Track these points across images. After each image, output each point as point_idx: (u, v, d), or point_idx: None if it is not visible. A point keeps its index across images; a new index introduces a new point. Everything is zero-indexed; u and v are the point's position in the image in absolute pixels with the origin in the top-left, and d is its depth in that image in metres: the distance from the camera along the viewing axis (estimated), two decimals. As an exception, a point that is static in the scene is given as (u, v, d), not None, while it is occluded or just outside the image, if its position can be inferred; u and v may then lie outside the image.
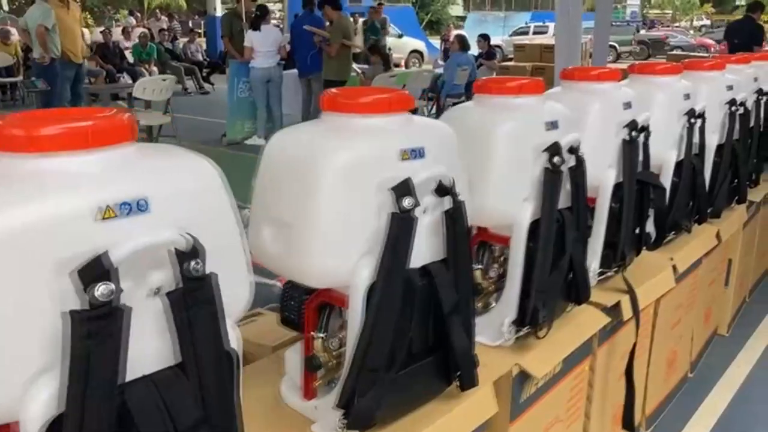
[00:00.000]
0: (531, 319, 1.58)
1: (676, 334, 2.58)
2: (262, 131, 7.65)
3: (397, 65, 17.12)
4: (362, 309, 1.18)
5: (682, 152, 2.32)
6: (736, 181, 2.82)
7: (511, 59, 13.42)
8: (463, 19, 33.68)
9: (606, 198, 1.93)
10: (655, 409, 2.53)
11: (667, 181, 2.30)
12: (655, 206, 2.14)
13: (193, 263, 0.84)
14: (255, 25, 7.47)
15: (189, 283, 0.84)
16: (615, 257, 1.97)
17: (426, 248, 1.26)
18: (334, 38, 7.29)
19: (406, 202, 1.15)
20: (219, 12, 17.13)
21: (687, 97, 2.36)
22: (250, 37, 7.50)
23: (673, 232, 2.37)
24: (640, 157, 2.01)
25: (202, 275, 0.85)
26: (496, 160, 1.53)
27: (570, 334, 1.78)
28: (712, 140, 2.62)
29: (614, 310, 1.95)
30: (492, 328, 1.62)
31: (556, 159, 1.54)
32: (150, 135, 7.51)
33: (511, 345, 1.62)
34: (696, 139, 2.42)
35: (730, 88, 2.71)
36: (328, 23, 7.52)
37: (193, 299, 0.85)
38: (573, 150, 1.61)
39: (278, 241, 1.20)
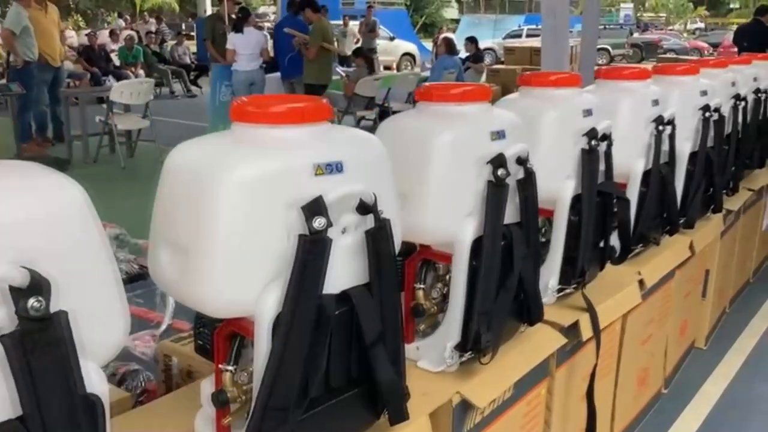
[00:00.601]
0: (473, 343, 1.47)
1: (647, 351, 2.47)
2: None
3: (388, 68, 17.06)
4: (267, 341, 1.07)
5: (650, 161, 2.22)
6: (711, 189, 2.72)
7: (503, 62, 13.35)
8: (457, 22, 33.66)
9: (564, 211, 1.83)
10: (625, 428, 2.42)
11: (633, 191, 2.19)
12: (619, 218, 2.03)
13: (32, 301, 0.74)
14: (237, 28, 7.36)
15: (27, 324, 0.75)
16: (574, 273, 1.86)
17: (346, 272, 1.16)
18: (314, 41, 7.17)
19: (317, 222, 1.05)
20: (209, 13, 17.02)
21: (655, 103, 2.25)
22: (233, 40, 7.39)
23: (641, 245, 2.26)
24: (602, 167, 1.90)
25: (44, 315, 0.75)
26: (435, 172, 1.42)
27: (522, 357, 1.67)
28: (685, 148, 2.52)
29: (573, 330, 1.84)
30: (435, 353, 1.52)
31: (500, 171, 1.44)
32: (129, 139, 7.40)
33: (455, 371, 1.51)
34: (666, 147, 2.31)
35: (704, 93, 2.61)
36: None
37: (33, 343, 0.75)
38: (521, 161, 1.51)
39: (175, 267, 1.10)
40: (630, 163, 2.17)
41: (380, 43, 16.92)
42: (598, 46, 24.15)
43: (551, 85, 1.89)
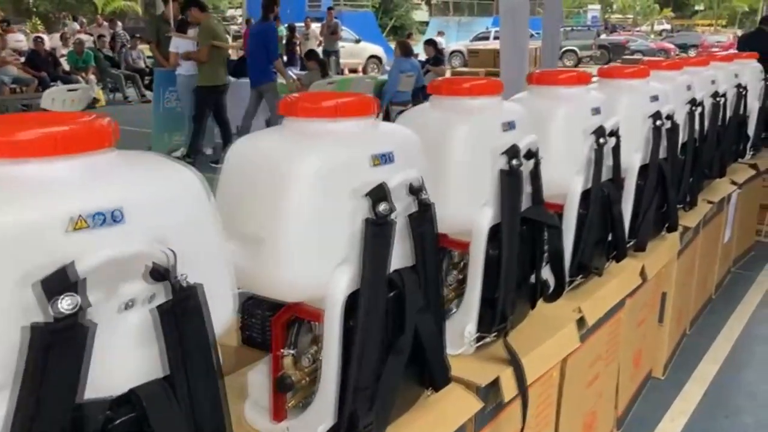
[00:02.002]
0: (349, 427, 1.14)
1: (594, 392, 2.17)
2: (188, 145, 7.11)
3: (354, 71, 16.70)
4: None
5: (590, 179, 1.92)
6: (665, 206, 2.43)
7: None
8: (428, 24, 33.47)
9: (481, 242, 1.52)
10: (571, 482, 2.12)
11: (571, 214, 1.89)
12: (550, 248, 1.73)
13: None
14: (181, 30, 6.96)
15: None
16: (494, 317, 1.55)
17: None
18: (203, 41, 6.61)
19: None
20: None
21: (596, 111, 1.95)
22: (176, 43, 6.98)
23: (581, 276, 1.96)
24: (528, 190, 1.60)
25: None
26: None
27: (427, 428, 1.36)
28: (633, 161, 2.23)
29: (493, 388, 1.53)
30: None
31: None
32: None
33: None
34: (610, 161, 2.02)
35: (654, 98, 2.32)
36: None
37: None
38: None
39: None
40: (566, 181, 1.87)
41: (346, 46, 16.57)
42: (566, 48, 24.36)
43: (465, 94, 1.58)
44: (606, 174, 1.98)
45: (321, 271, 1.12)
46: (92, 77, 11.68)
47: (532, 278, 1.68)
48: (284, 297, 1.18)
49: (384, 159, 1.17)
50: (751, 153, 3.93)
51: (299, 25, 14.79)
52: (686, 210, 2.75)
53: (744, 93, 3.56)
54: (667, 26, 37.48)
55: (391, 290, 1.19)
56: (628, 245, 2.28)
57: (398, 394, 1.23)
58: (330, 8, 14.40)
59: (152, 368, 0.84)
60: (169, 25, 7.55)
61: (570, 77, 1.99)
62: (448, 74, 11.16)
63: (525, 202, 1.56)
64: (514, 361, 1.54)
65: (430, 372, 1.31)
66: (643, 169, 2.27)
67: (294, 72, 8.20)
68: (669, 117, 2.33)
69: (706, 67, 3.15)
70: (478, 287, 1.52)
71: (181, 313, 0.81)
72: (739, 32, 32.74)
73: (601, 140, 1.90)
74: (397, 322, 1.20)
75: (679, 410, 2.61)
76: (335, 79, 7.77)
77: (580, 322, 1.88)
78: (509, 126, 1.55)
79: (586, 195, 1.92)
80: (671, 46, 24.73)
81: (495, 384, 1.53)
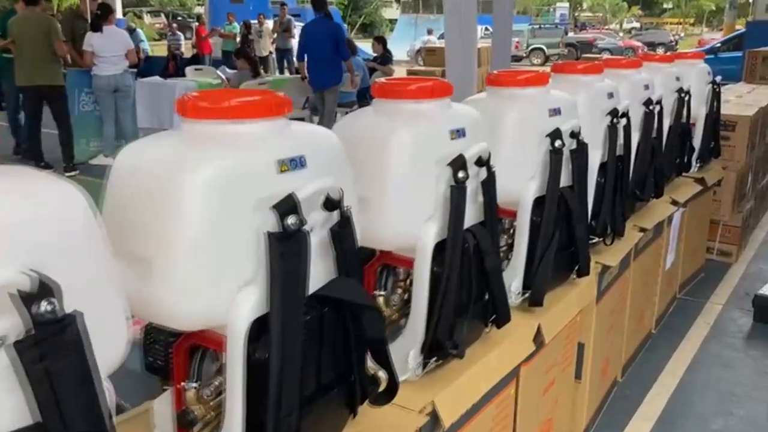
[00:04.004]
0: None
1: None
2: (110, 149, 6.54)
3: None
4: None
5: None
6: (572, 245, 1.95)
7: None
8: (397, 21, 33.04)
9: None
10: None
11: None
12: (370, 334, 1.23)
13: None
14: (95, 26, 6.37)
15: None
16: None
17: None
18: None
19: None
20: (119, 14, 15.83)
21: (555, 112, 1.78)
22: (89, 40, 6.39)
23: (435, 359, 1.46)
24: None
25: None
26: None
27: None
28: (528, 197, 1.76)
29: None
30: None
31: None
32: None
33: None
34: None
35: (555, 112, 1.84)
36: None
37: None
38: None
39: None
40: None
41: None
42: (533, 46, 24.05)
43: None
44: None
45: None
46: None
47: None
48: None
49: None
50: (698, 165, 3.48)
51: (254, 22, 14.18)
52: (607, 244, 2.27)
53: (687, 98, 3.10)
54: (636, 24, 37.45)
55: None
56: (522, 298, 1.81)
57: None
58: (283, 4, 13.70)
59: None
60: (86, 21, 6.94)
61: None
62: (404, 74, 10.68)
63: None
64: None
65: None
66: (539, 202, 1.80)
67: (223, 72, 7.63)
68: (574, 135, 1.85)
69: (636, 70, 2.68)
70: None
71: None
72: (706, 30, 32.84)
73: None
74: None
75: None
76: (267, 79, 7.23)
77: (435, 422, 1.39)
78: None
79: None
80: (639, 44, 24.55)
81: None
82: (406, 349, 1.40)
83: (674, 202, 3.04)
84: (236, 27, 14.20)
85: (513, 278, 1.81)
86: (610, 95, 2.27)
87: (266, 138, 1.06)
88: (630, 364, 2.86)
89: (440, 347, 1.37)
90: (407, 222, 1.36)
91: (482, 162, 1.45)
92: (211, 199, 0.96)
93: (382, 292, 1.50)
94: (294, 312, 1.00)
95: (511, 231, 1.86)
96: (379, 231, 1.32)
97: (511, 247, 1.84)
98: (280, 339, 0.97)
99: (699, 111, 3.37)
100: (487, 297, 1.55)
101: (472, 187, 1.44)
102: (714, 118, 3.52)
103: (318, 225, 1.08)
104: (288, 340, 0.98)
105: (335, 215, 1.09)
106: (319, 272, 1.08)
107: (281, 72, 13.31)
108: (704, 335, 3.19)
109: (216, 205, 0.97)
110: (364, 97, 7.92)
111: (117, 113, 6.62)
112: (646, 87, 2.67)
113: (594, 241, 2.23)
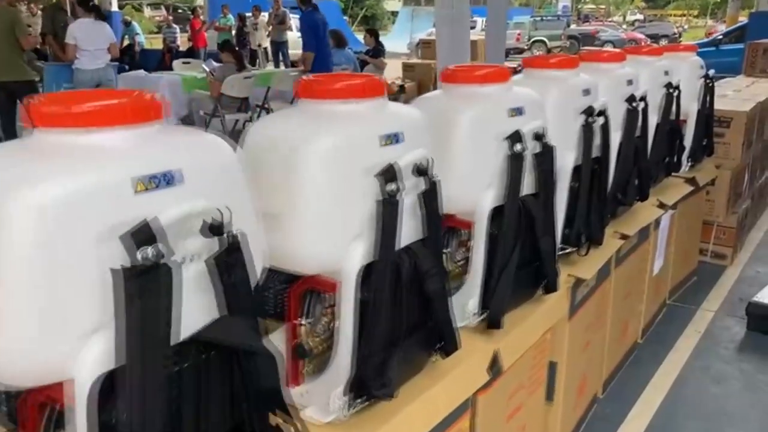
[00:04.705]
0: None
1: None
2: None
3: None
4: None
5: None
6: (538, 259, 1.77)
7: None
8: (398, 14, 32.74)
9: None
10: None
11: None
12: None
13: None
14: (76, 13, 6.16)
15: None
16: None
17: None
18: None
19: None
20: (115, 7, 15.62)
21: (517, 112, 1.60)
22: (72, 33, 6.20)
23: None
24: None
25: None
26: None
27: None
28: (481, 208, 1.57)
29: None
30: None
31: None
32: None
33: None
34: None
35: (517, 111, 1.65)
36: None
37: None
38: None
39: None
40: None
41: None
42: (535, 38, 23.76)
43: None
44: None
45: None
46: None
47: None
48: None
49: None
50: (689, 164, 3.29)
51: (249, 14, 13.97)
52: (582, 254, 2.09)
53: (676, 94, 2.91)
54: (640, 16, 37.03)
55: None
56: (479, 318, 1.63)
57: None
58: (277, -3, 13.45)
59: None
60: (67, 13, 6.76)
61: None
62: (398, 67, 10.45)
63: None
64: None
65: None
66: (498, 212, 1.61)
67: (206, 65, 7.43)
68: (538, 137, 1.66)
69: (619, 64, 2.48)
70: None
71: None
72: (711, 22, 32.43)
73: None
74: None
75: None
76: (254, 73, 7.01)
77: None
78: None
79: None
80: (642, 36, 24.23)
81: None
82: (330, 388, 1.23)
83: (661, 205, 2.85)
84: (231, 20, 13.98)
85: (470, 297, 1.63)
86: (586, 92, 2.08)
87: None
88: (612, 378, 2.67)
89: (366, 386, 1.21)
90: (328, 242, 1.20)
91: (422, 171, 1.28)
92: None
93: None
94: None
95: (470, 243, 1.68)
96: (293, 252, 1.18)
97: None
98: (379, 281, 1.19)
99: (690, 107, 3.17)
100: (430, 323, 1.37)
101: (411, 200, 1.28)
102: (707, 114, 3.32)
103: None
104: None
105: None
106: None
107: (276, 65, 13.10)
108: (694, 346, 3.00)
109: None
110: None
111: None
112: (630, 82, 2.48)
113: (567, 251, 2.04)
